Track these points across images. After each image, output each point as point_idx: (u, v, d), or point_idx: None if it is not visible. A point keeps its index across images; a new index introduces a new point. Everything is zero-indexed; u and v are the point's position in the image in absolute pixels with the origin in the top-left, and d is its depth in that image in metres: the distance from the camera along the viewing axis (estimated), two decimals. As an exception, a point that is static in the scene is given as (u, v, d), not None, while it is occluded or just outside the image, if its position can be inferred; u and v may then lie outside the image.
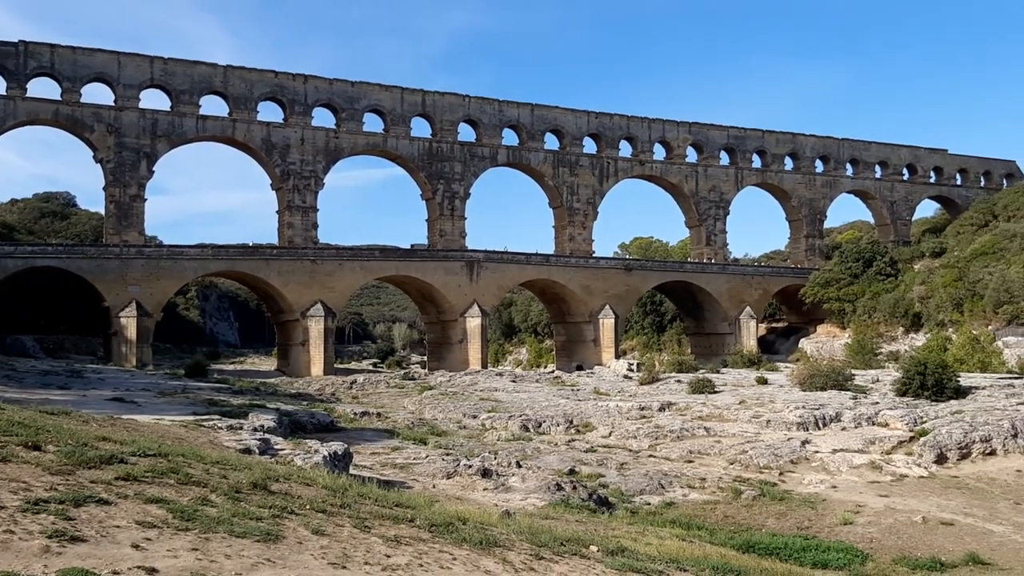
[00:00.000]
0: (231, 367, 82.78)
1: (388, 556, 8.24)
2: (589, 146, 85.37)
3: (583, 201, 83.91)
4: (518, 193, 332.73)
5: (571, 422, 36.30)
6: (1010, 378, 46.64)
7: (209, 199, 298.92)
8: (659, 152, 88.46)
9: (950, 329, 63.11)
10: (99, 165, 67.97)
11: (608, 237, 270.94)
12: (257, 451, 18.43)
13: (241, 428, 22.46)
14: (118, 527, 7.55)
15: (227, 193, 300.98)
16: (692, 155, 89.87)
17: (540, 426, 35.67)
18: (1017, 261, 63.93)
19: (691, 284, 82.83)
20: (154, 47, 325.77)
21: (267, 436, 21.31)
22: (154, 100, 73.21)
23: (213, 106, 71.79)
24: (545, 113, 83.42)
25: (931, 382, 39.55)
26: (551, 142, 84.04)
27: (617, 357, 75.67)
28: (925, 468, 27.90)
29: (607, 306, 77.87)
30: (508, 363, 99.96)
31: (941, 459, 28.68)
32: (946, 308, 64.31)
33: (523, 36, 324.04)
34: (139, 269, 63.93)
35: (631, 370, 63.90)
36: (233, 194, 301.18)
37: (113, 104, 67.90)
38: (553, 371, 72.03)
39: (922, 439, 30.12)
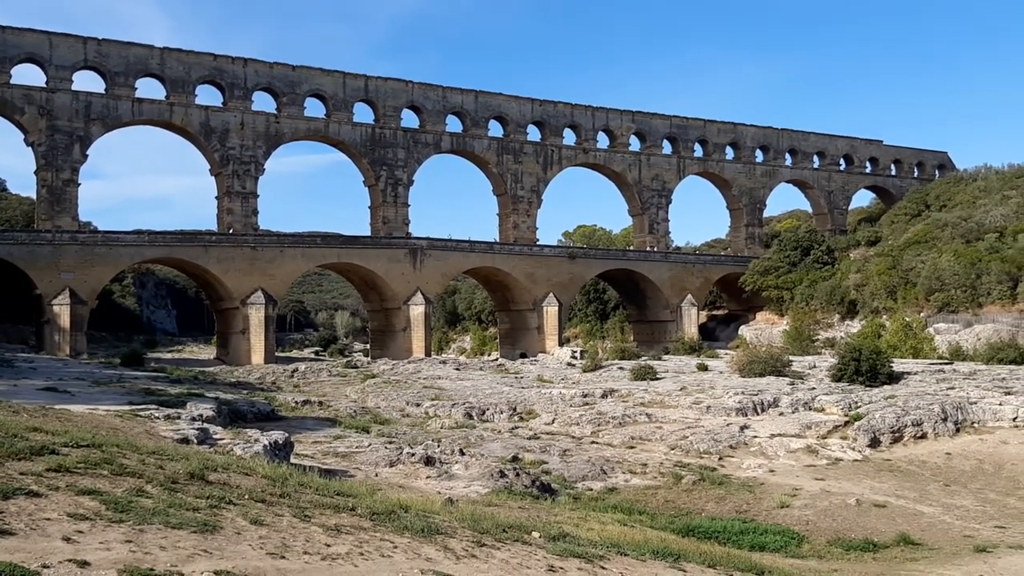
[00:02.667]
0: (169, 356, 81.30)
1: (328, 545, 8.17)
2: (533, 134, 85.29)
3: (527, 189, 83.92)
4: (462, 180, 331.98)
5: (514, 410, 36.46)
6: (941, 364, 48.07)
7: (146, 184, 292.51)
8: (603, 140, 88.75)
9: (884, 316, 64.66)
10: (30, 148, 65.89)
11: (552, 225, 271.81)
12: (195, 441, 18.14)
13: (179, 418, 22.08)
14: (49, 520, 7.37)
15: (164, 178, 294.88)
16: (635, 144, 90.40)
17: (484, 414, 35.78)
18: (948, 250, 65.76)
19: (634, 272, 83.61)
20: (88, 28, 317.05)
21: (206, 425, 20.97)
22: (88, 82, 71.28)
23: (149, 89, 70.17)
24: (489, 100, 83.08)
25: (865, 368, 40.59)
26: (495, 129, 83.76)
27: (561, 345, 76.13)
28: (859, 452, 28.64)
29: (551, 294, 78.19)
30: (452, 351, 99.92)
31: (875, 443, 29.49)
32: (880, 296, 65.87)
33: (467, 22, 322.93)
34: (73, 255, 62.28)
35: (574, 357, 64.37)
36: (171, 179, 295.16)
37: (45, 86, 65.76)
38: (497, 359, 72.17)
39: (856, 423, 30.91)
